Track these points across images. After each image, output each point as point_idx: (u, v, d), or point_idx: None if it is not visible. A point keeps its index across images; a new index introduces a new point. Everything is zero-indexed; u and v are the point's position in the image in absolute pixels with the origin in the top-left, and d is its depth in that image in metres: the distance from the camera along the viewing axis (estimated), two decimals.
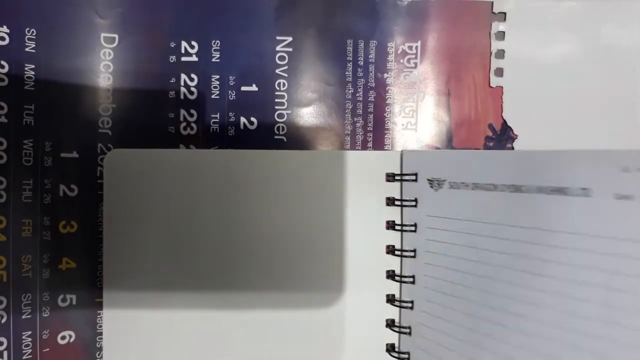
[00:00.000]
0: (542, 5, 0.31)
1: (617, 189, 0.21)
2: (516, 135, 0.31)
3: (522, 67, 0.31)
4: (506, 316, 0.25)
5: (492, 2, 0.31)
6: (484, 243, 0.26)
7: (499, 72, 0.31)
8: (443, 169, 0.28)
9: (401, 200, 0.30)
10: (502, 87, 0.31)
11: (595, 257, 0.22)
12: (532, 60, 0.31)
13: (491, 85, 0.31)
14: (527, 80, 0.31)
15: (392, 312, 0.30)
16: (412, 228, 0.30)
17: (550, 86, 0.31)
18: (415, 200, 0.30)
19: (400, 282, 0.30)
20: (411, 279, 0.30)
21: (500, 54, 0.31)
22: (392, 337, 0.30)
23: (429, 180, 0.29)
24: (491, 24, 0.31)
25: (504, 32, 0.31)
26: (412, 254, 0.30)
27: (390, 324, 0.30)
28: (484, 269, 0.26)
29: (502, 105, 0.31)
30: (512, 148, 0.31)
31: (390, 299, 0.30)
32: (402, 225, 0.30)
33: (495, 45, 0.31)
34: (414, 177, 0.29)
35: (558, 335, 0.23)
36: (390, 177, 0.30)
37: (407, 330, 0.30)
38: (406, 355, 0.30)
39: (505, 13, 0.30)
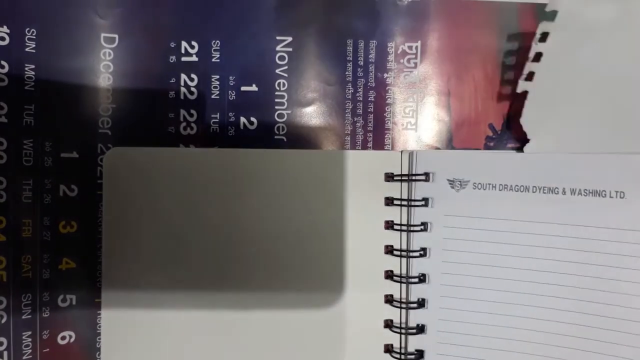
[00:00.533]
0: (595, 8, 0.28)
1: None
2: (528, 140, 0.30)
3: (558, 72, 0.29)
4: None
5: (546, 3, 0.29)
6: (516, 239, 0.28)
7: (530, 75, 0.29)
8: (466, 169, 0.29)
9: (408, 200, 0.30)
10: (527, 92, 0.29)
11: (629, 246, 0.27)
12: (570, 65, 0.29)
13: (517, 90, 0.29)
14: (559, 87, 0.29)
15: (390, 313, 0.30)
16: (421, 227, 0.30)
17: (582, 94, 0.29)
18: (425, 200, 0.30)
19: (407, 282, 0.30)
20: (418, 279, 0.30)
21: (538, 57, 0.29)
22: (390, 337, 0.30)
23: (449, 180, 0.29)
24: (537, 24, 0.29)
25: (548, 34, 0.29)
26: (419, 253, 0.30)
27: (389, 324, 0.30)
28: (518, 262, 0.29)
29: (522, 110, 0.29)
30: (512, 149, 0.31)
31: (389, 300, 0.30)
32: (408, 225, 0.30)
33: (536, 47, 0.29)
34: (424, 177, 0.30)
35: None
36: (390, 177, 0.30)
37: (414, 331, 0.30)
38: (413, 356, 0.30)
39: (556, 12, 0.28)
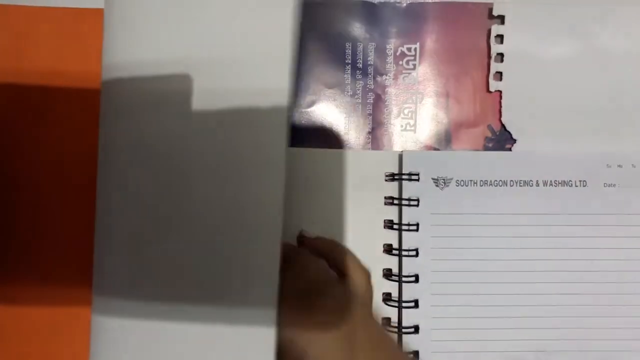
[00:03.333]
0: (541, 9, 0.30)
1: (604, 180, 0.30)
2: (514, 140, 0.31)
3: (522, 70, 0.31)
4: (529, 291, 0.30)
5: (492, 5, 0.30)
6: (496, 231, 0.30)
7: (498, 76, 0.31)
8: (449, 168, 0.30)
9: (400, 199, 0.30)
10: (500, 92, 0.31)
11: (593, 228, 0.30)
12: (531, 63, 0.31)
13: (490, 90, 0.31)
14: (527, 84, 0.31)
15: (388, 312, 0.31)
16: (414, 227, 0.30)
17: (550, 90, 0.31)
18: (417, 199, 0.30)
19: (400, 281, 0.30)
20: (413, 278, 0.30)
21: (500, 57, 0.31)
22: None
23: (433, 179, 0.30)
24: (490, 27, 0.31)
25: (502, 36, 0.30)
26: (413, 253, 0.30)
27: (385, 323, 0.30)
28: (500, 253, 0.30)
29: (500, 110, 0.31)
30: (511, 149, 0.31)
31: (386, 298, 0.30)
32: (400, 224, 0.30)
33: (495, 48, 0.30)
34: (415, 177, 0.30)
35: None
36: (390, 177, 0.30)
37: (412, 330, 0.30)
38: (410, 355, 0.30)
39: (503, 16, 0.30)
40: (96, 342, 0.27)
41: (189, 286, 0.26)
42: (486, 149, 0.31)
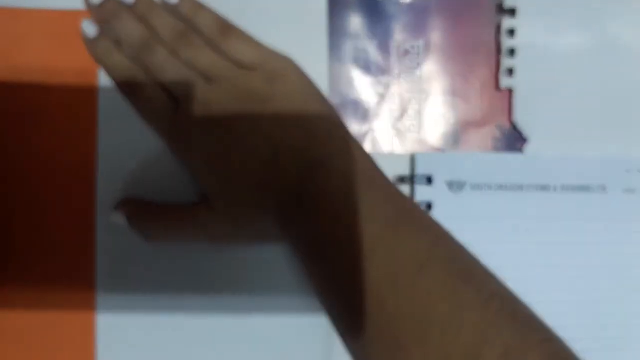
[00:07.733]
0: (555, 1, 0.30)
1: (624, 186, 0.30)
2: (525, 139, 0.30)
3: (535, 66, 0.30)
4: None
5: None
6: (512, 238, 0.29)
7: (509, 72, 0.30)
8: (464, 171, 0.29)
9: None
10: (511, 89, 0.30)
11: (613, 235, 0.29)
12: (545, 58, 0.30)
13: (500, 87, 0.30)
14: (540, 81, 0.30)
15: None
16: None
17: (565, 87, 0.30)
18: (429, 204, 0.29)
19: None
20: None
21: (511, 52, 0.29)
22: None
23: (447, 183, 0.29)
24: (498, 22, 0.29)
25: (514, 30, 0.29)
26: None
27: None
28: (516, 260, 0.29)
29: (511, 108, 0.30)
30: (521, 149, 0.30)
31: None
32: None
33: (506, 43, 0.29)
34: (425, 181, 0.29)
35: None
36: (401, 180, 0.29)
37: None
38: None
39: (515, 9, 0.29)
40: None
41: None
42: (495, 149, 0.30)
